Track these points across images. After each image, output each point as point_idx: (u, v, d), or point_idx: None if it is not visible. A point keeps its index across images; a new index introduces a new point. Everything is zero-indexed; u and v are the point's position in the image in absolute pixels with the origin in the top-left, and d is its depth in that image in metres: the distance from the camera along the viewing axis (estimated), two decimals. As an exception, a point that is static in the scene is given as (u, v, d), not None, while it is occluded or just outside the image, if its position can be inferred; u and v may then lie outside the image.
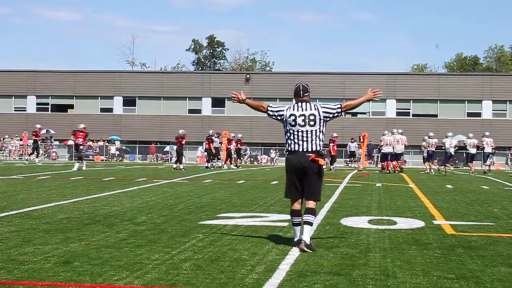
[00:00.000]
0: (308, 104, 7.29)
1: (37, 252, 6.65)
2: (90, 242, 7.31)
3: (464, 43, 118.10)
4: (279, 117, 7.36)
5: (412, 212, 11.07)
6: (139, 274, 5.64)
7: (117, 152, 48.18)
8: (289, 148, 7.27)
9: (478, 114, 50.71)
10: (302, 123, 7.18)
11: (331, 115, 7.25)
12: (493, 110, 50.73)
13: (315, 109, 7.23)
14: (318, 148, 7.18)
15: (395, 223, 9.53)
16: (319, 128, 7.20)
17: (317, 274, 5.78)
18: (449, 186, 18.88)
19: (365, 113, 51.94)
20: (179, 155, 29.19)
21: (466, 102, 50.70)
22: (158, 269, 5.89)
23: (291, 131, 7.24)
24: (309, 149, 7.15)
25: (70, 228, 8.43)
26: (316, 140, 7.18)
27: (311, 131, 7.18)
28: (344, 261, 6.42)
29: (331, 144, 32.22)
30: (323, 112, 7.21)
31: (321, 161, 7.16)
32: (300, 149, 7.16)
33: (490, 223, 9.78)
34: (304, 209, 7.18)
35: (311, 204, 7.17)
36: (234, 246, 7.19)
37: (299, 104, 7.30)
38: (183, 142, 29.43)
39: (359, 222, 9.55)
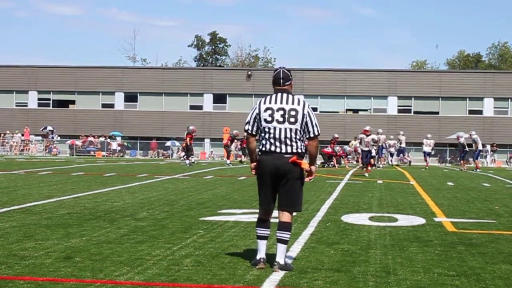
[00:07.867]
0: (289, 95, 5.95)
1: (38, 247, 6.66)
2: (91, 238, 7.32)
3: (466, 41, 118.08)
4: (258, 120, 5.98)
5: (413, 209, 11.07)
6: (140, 270, 5.65)
7: (118, 148, 48.18)
8: (263, 149, 5.93)
9: (480, 112, 50.64)
10: (281, 119, 5.85)
11: (307, 131, 5.92)
12: (494, 108, 50.65)
13: (298, 103, 5.90)
14: (300, 151, 5.90)
15: (396, 220, 9.53)
16: (301, 128, 5.89)
17: (318, 270, 5.79)
18: (450, 183, 18.88)
19: (366, 110, 51.89)
20: (189, 150, 29.74)
21: (467, 99, 50.61)
22: (159, 265, 5.90)
23: (267, 129, 5.90)
24: (288, 151, 5.86)
25: (71, 224, 8.45)
26: (297, 141, 5.89)
27: (291, 129, 5.86)
28: (345, 257, 6.42)
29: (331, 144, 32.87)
30: (308, 115, 5.90)
31: (304, 164, 5.92)
32: (278, 150, 5.86)
33: (491, 220, 9.78)
34: (278, 223, 5.97)
35: (286, 217, 5.92)
36: (235, 243, 7.19)
37: (278, 95, 5.98)
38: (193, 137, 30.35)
39: (360, 219, 9.55)
